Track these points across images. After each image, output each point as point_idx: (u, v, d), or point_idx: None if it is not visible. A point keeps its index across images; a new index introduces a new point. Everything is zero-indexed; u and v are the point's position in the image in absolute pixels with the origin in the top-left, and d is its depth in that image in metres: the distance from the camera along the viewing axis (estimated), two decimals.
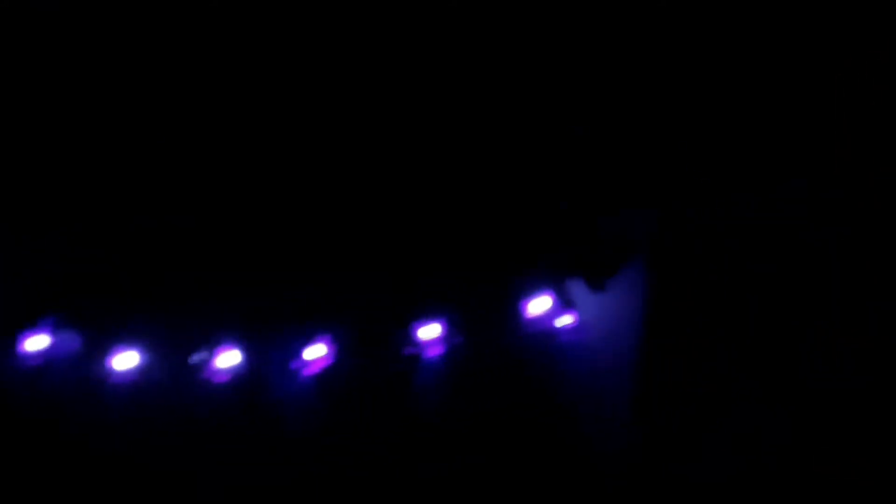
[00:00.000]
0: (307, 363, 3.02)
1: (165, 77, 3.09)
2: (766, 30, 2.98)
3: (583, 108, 2.99)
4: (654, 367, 2.98)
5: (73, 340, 2.98)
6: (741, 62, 3.02)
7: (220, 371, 3.00)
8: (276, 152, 3.06)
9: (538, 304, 2.93)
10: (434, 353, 2.97)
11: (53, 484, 3.03)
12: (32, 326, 2.98)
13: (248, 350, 3.01)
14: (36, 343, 2.94)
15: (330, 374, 3.01)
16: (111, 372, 2.96)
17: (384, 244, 2.99)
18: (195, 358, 3.00)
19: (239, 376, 3.02)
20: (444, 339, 2.96)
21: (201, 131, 3.05)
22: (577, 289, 2.98)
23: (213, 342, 2.99)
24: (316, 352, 2.99)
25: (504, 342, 2.97)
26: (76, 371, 3.00)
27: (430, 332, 2.93)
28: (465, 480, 3.01)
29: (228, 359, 2.99)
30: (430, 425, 3.03)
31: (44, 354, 2.97)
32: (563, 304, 2.94)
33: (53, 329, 2.98)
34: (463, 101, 3.00)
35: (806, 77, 3.01)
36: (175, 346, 3.00)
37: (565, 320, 2.95)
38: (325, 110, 3.03)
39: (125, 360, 2.95)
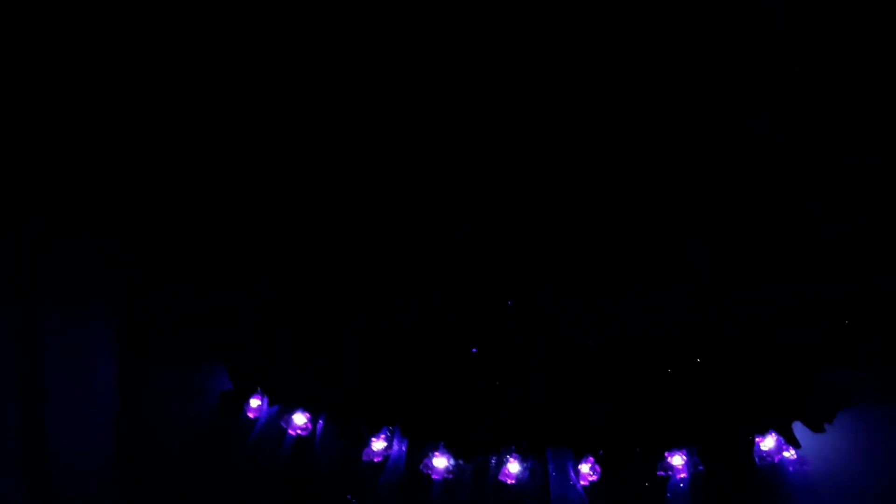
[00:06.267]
0: (580, 477, 3.36)
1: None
2: None
3: None
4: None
5: (402, 445, 3.51)
6: None
7: (508, 476, 3.38)
8: None
9: (767, 442, 3.29)
10: (680, 477, 3.30)
11: None
12: (377, 433, 3.52)
13: (529, 461, 3.39)
14: (378, 445, 3.53)
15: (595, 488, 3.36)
16: (429, 471, 3.46)
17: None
18: (493, 460, 3.42)
19: (522, 484, 3.39)
20: (688, 466, 3.30)
21: None
22: (800, 430, 3.27)
23: (504, 451, 3.40)
24: (586, 468, 3.36)
25: (738, 473, 3.27)
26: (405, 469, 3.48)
27: (677, 459, 3.31)
28: None
29: (514, 467, 3.39)
30: None
31: (382, 454, 3.52)
32: (788, 443, 3.27)
33: (389, 436, 3.53)
34: None
35: None
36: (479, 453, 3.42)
37: (790, 456, 3.28)
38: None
39: (440, 462, 3.46)
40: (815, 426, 3.22)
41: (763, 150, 3.15)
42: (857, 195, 3.12)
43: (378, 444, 3.51)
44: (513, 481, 3.36)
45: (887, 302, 3.13)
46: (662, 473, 3.27)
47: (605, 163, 3.26)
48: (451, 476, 3.42)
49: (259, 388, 3.71)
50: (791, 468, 3.24)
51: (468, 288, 3.32)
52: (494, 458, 3.39)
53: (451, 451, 3.41)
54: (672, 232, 3.25)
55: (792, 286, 3.16)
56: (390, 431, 3.51)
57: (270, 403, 3.68)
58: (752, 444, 3.24)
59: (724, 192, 3.20)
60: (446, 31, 3.25)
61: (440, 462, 3.42)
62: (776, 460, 3.25)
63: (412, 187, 3.39)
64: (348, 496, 3.51)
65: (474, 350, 3.35)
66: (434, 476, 3.42)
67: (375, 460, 3.50)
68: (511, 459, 3.36)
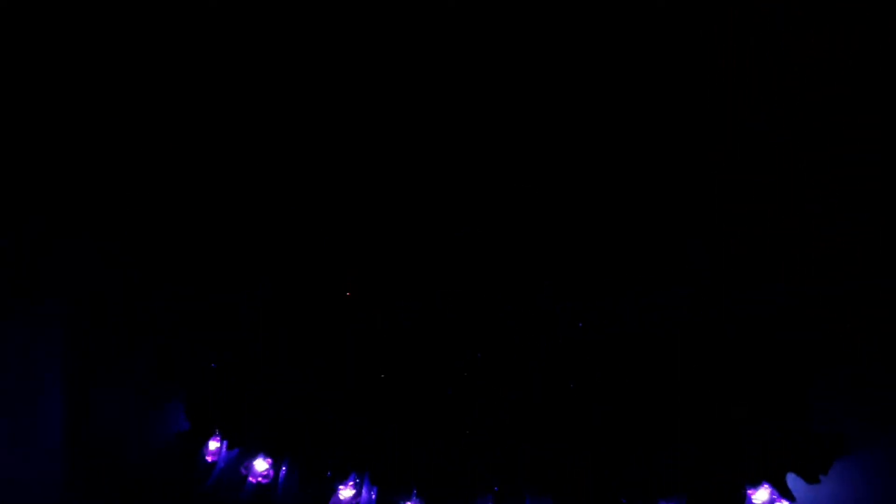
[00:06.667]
0: None
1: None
2: None
3: None
4: None
5: (371, 492, 3.40)
6: None
7: None
8: None
9: (760, 494, 3.20)
10: None
11: None
12: (344, 480, 3.41)
13: None
14: (346, 494, 3.42)
15: None
16: None
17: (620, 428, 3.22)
18: None
19: None
20: None
21: None
22: (794, 481, 3.19)
23: (481, 500, 3.28)
24: None
25: None
26: None
27: None
28: None
29: None
30: None
31: (350, 503, 3.41)
32: (782, 495, 3.18)
33: (358, 483, 3.42)
34: None
35: None
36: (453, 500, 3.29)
37: None
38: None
39: None
40: (810, 477, 3.14)
41: (763, 150, 3.15)
42: (857, 195, 3.12)
43: (346, 493, 3.36)
44: None
45: (887, 302, 3.13)
46: None
47: (605, 163, 3.26)
48: None
49: (217, 430, 3.53)
50: None
51: (468, 288, 3.32)
52: None
53: (423, 498, 3.28)
54: (672, 232, 3.25)
55: (792, 286, 3.16)
56: (359, 478, 3.39)
57: (230, 447, 3.50)
58: (745, 497, 3.16)
59: (724, 192, 3.20)
60: (446, 30, 3.25)
61: None
62: None
63: (412, 187, 3.39)
64: None
65: (449, 391, 3.28)
66: None
67: None
68: None
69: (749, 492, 3.18)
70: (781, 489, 3.16)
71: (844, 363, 3.13)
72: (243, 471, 3.48)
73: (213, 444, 3.55)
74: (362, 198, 3.44)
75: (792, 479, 3.17)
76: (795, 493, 3.16)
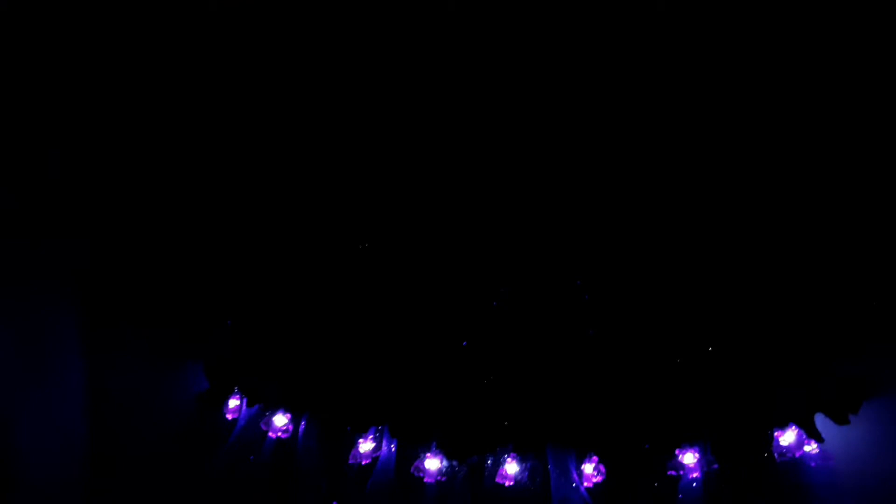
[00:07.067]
0: (584, 478, 3.23)
1: None
2: None
3: None
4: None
5: (391, 446, 3.38)
6: None
7: (506, 478, 3.24)
8: None
9: (787, 436, 3.13)
10: (693, 476, 3.16)
11: None
12: (363, 433, 3.39)
13: (528, 462, 3.26)
14: (365, 447, 3.40)
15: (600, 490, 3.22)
16: (421, 474, 3.33)
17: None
18: (490, 460, 3.29)
19: (519, 484, 3.25)
20: (701, 464, 3.16)
21: None
22: (822, 422, 3.11)
23: (501, 451, 3.26)
24: (590, 468, 3.22)
25: (756, 470, 3.11)
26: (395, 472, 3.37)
27: (689, 458, 3.16)
28: None
29: (512, 468, 3.25)
30: None
31: (370, 456, 3.40)
32: (809, 436, 3.10)
33: (378, 436, 3.41)
34: None
35: None
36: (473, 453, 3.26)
37: (811, 450, 3.14)
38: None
39: (432, 464, 3.33)
40: (839, 418, 3.04)
41: (763, 150, 3.15)
42: (857, 195, 3.11)
43: (366, 446, 3.36)
44: (511, 483, 3.20)
45: (887, 302, 3.10)
46: (673, 473, 3.13)
47: (605, 162, 3.26)
48: (444, 479, 3.27)
49: (237, 388, 3.55)
50: (813, 464, 3.09)
51: (467, 285, 3.29)
52: (491, 458, 3.24)
53: (443, 451, 3.25)
54: (672, 232, 3.23)
55: (793, 286, 3.13)
56: (378, 431, 3.37)
57: (249, 404, 3.52)
58: (771, 439, 3.07)
59: (724, 191, 3.19)
60: (445, 29, 3.27)
61: (432, 464, 3.27)
62: (797, 455, 3.09)
63: (413, 187, 3.39)
64: (334, 503, 3.37)
65: (464, 343, 3.23)
66: (426, 479, 3.28)
67: (363, 463, 3.35)
68: (508, 459, 3.22)
69: (776, 434, 3.10)
70: (809, 430, 3.06)
71: (844, 363, 3.09)
72: (263, 426, 3.50)
73: (233, 402, 3.58)
74: (363, 198, 3.44)
75: (821, 422, 3.08)
76: (825, 436, 3.06)
